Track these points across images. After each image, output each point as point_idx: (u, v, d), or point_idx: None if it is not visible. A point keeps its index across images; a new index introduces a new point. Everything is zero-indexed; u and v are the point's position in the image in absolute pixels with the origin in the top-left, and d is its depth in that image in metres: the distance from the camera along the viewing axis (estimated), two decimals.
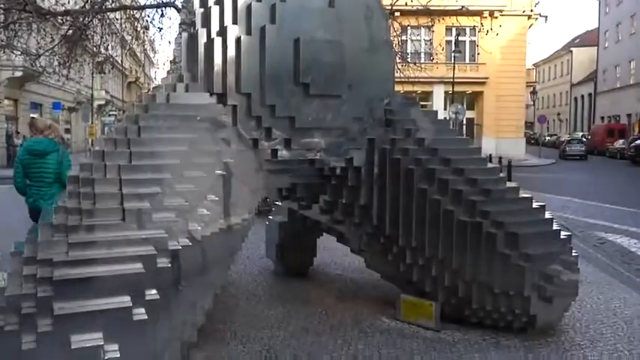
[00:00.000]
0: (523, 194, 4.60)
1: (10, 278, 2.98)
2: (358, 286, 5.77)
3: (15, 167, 5.71)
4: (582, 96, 52.33)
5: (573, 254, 4.43)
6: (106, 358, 2.87)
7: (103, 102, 40.00)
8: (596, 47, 48.75)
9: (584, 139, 36.24)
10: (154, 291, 3.09)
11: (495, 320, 4.40)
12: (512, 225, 4.20)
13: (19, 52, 16.92)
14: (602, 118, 45.49)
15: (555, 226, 4.46)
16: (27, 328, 2.82)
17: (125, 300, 2.99)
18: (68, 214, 3.18)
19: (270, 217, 6.39)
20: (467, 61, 31.88)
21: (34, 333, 2.81)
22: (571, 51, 56.36)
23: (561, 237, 4.39)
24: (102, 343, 2.88)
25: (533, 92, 42.08)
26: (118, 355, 2.90)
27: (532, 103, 45.23)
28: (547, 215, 4.55)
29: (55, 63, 14.86)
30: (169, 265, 3.18)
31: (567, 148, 33.37)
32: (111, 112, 41.55)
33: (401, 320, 4.63)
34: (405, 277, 4.72)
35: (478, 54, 30.06)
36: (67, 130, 35.03)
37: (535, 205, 4.54)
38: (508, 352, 4.07)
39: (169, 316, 3.23)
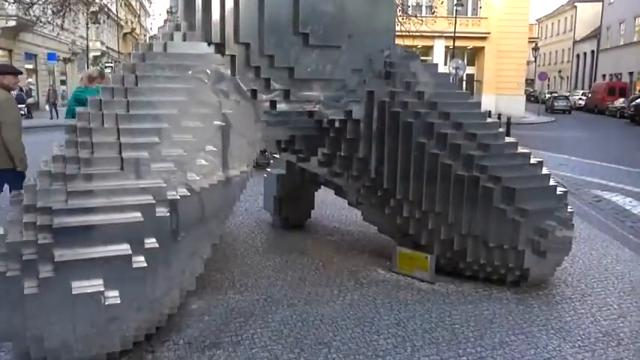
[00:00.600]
0: (521, 150, 4.60)
1: (11, 225, 3.01)
2: (355, 238, 5.84)
3: (66, 113, 6.88)
4: (585, 53, 51.59)
5: (568, 211, 4.47)
6: (106, 303, 2.92)
7: (98, 53, 39.47)
8: (601, 3, 47.78)
9: (569, 97, 40.37)
10: (153, 240, 3.11)
11: (489, 273, 4.48)
12: (510, 180, 4.22)
13: (12, 1, 16.56)
14: (604, 75, 45.00)
15: (552, 183, 4.49)
16: (29, 273, 2.86)
17: (125, 248, 3.02)
18: (66, 163, 3.17)
19: (269, 169, 6.41)
20: (469, 15, 31.29)
21: (35, 279, 2.85)
22: (575, 6, 55.19)
23: (557, 193, 4.42)
24: (102, 289, 2.92)
25: (535, 48, 41.56)
26: (119, 302, 2.96)
27: (533, 59, 44.71)
28: (544, 171, 4.56)
29: (49, 12, 14.55)
30: (168, 215, 3.20)
31: (555, 104, 37.83)
32: (107, 64, 41.03)
33: (396, 272, 4.71)
34: (402, 230, 4.78)
35: (480, 8, 29.54)
36: (63, 82, 34.68)
37: (533, 160, 4.54)
38: (500, 303, 4.16)
39: (168, 265, 3.27)
